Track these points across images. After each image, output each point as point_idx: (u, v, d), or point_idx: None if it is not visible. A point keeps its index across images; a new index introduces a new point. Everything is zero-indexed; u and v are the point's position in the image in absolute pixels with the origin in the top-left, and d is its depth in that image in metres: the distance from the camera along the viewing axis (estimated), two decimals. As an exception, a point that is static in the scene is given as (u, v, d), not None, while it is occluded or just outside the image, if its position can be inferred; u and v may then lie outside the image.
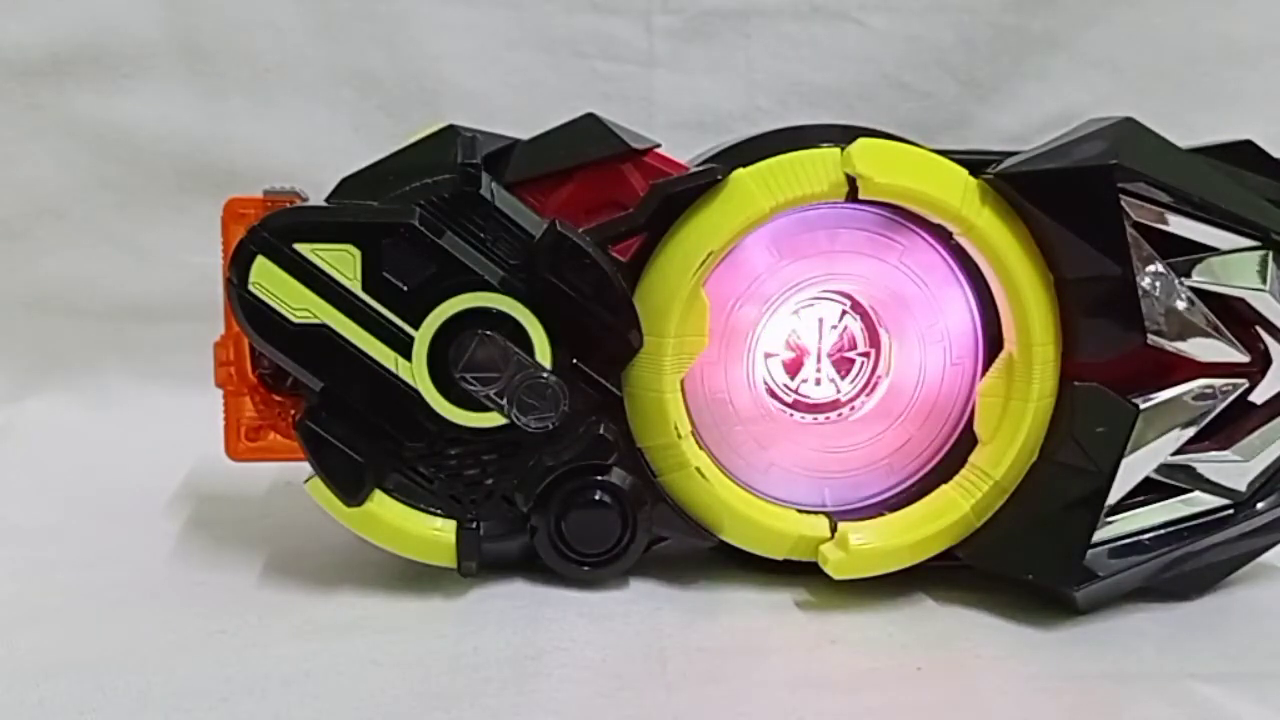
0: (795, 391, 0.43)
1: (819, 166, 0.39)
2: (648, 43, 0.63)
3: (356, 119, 0.62)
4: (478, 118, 0.41)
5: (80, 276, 0.60)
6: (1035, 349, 0.39)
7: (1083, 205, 0.38)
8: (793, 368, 0.43)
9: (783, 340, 0.42)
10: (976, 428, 0.41)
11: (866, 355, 0.43)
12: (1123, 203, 0.37)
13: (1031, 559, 0.40)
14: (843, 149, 0.38)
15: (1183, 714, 0.34)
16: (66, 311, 0.61)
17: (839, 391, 0.43)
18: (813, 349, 0.43)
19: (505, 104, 0.62)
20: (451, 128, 0.40)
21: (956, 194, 0.39)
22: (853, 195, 0.39)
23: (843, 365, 0.43)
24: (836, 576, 0.40)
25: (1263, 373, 0.40)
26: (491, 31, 0.63)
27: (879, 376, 0.43)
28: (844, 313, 0.43)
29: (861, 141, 0.39)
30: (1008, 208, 0.39)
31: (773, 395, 0.42)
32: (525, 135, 0.40)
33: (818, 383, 0.43)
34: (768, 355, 0.42)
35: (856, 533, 0.40)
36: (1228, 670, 0.36)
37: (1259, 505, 0.41)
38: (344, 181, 0.39)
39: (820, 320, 0.43)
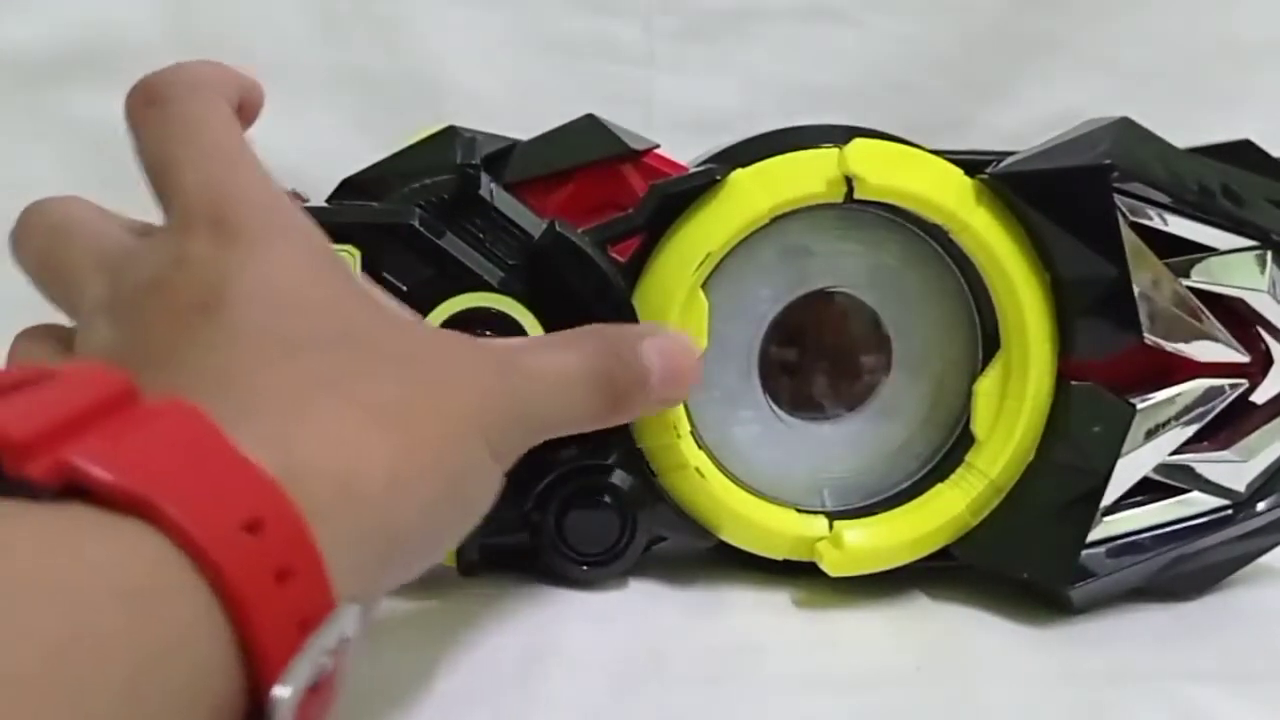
0: (797, 391, 0.43)
1: (817, 167, 0.39)
2: (647, 43, 0.63)
3: (357, 119, 0.62)
4: (478, 118, 0.41)
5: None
6: (1030, 348, 0.39)
7: (1078, 205, 0.38)
8: (795, 367, 0.43)
9: (784, 339, 0.42)
10: (973, 427, 0.41)
11: (874, 356, 0.43)
12: (1119, 203, 0.38)
13: (1027, 558, 0.40)
14: (841, 149, 0.39)
15: (1180, 715, 0.34)
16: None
17: (841, 391, 0.43)
18: (818, 350, 0.43)
19: (505, 104, 0.62)
20: (451, 128, 0.40)
21: (951, 194, 0.39)
22: (850, 195, 0.39)
23: (846, 365, 0.43)
24: (833, 574, 0.40)
25: (1263, 373, 0.40)
26: (492, 32, 0.63)
27: (880, 376, 0.43)
28: (851, 313, 0.42)
29: (856, 142, 0.39)
30: (1003, 208, 0.39)
31: (773, 395, 0.42)
32: (525, 136, 0.40)
33: (826, 384, 0.43)
34: (769, 354, 0.42)
35: (852, 530, 0.40)
36: (1226, 672, 0.36)
37: (1259, 506, 0.41)
38: (344, 182, 0.39)
39: (824, 319, 0.43)
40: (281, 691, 0.21)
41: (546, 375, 0.33)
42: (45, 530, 0.20)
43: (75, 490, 0.20)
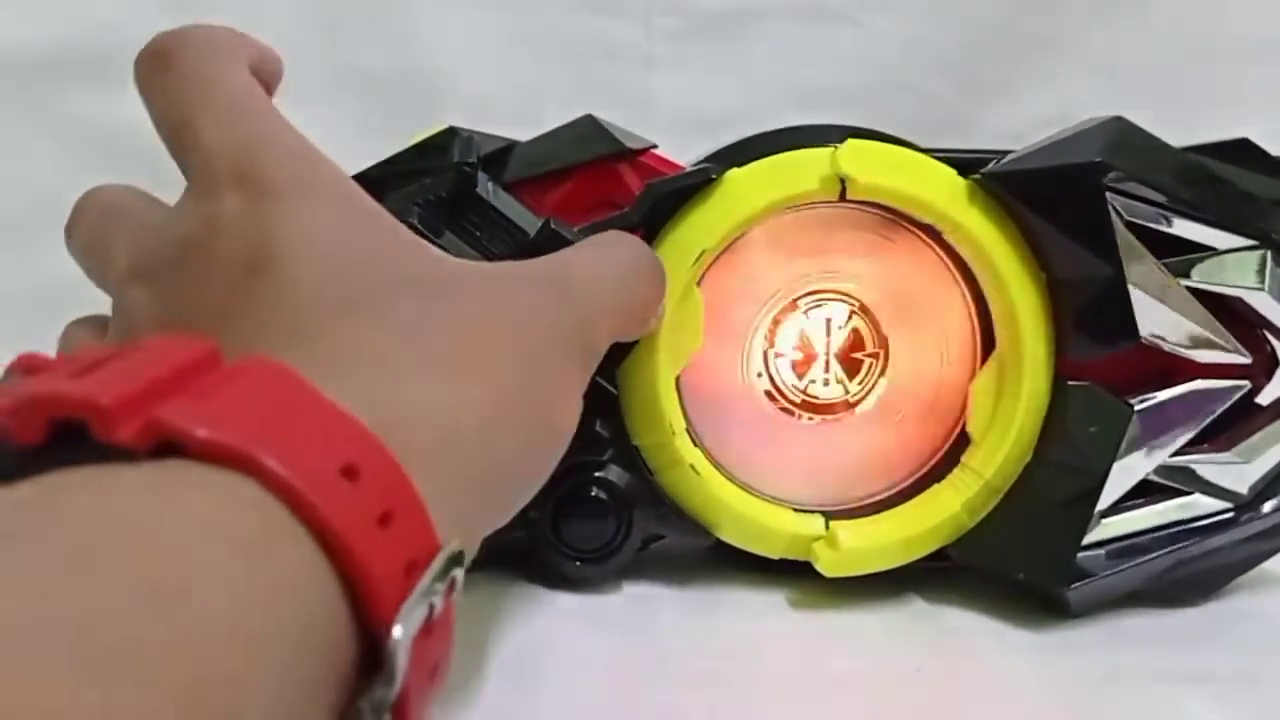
0: (801, 391, 0.43)
1: (811, 166, 0.39)
2: (648, 43, 0.63)
3: (357, 119, 0.62)
4: (478, 118, 0.41)
5: (80, 277, 0.60)
6: (1025, 348, 0.39)
7: (1070, 204, 0.38)
8: (800, 368, 0.43)
9: (785, 340, 0.42)
10: (969, 427, 0.41)
11: (874, 356, 0.43)
12: (1115, 202, 0.37)
13: (1024, 558, 0.40)
14: (835, 149, 0.39)
15: (1178, 718, 0.34)
16: (67, 311, 0.61)
17: (847, 393, 0.43)
18: (820, 350, 0.43)
19: (505, 104, 0.62)
20: (451, 129, 0.40)
21: (943, 194, 0.39)
22: (844, 195, 0.39)
23: (851, 366, 0.43)
24: (828, 574, 0.40)
25: (1268, 375, 0.40)
26: (492, 32, 0.63)
27: (880, 377, 0.43)
28: (852, 313, 0.42)
29: (850, 142, 0.39)
30: (997, 207, 0.39)
31: (770, 394, 0.42)
32: (525, 136, 0.40)
33: (825, 383, 0.43)
34: (776, 355, 0.42)
35: (847, 531, 0.40)
36: (1224, 676, 0.36)
37: (1263, 509, 0.41)
38: (343, 183, 0.39)
39: (828, 320, 0.42)
40: (398, 630, 0.21)
41: (610, 273, 0.34)
42: (142, 486, 0.19)
43: (170, 451, 0.20)
